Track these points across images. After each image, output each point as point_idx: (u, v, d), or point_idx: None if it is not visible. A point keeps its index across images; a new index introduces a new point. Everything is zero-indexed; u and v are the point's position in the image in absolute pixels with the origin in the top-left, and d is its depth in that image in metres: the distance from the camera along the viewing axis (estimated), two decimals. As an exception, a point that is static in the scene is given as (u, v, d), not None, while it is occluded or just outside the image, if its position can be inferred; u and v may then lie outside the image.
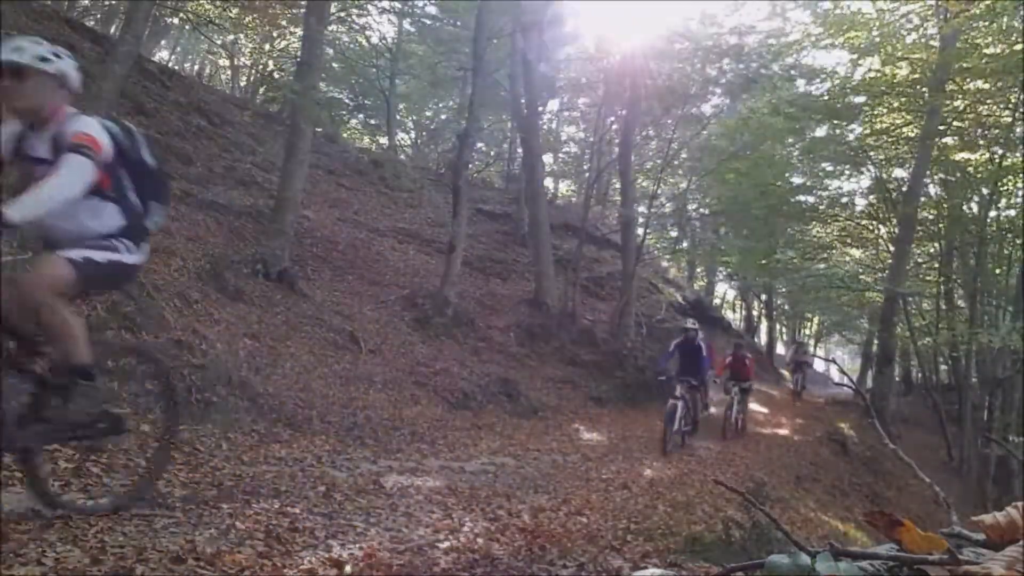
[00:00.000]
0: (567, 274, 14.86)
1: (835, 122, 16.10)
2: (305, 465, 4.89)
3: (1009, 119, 13.87)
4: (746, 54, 15.39)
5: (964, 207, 16.80)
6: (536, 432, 8.43)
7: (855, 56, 15.32)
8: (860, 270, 19.75)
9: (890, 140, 16.34)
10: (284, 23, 17.13)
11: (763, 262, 18.06)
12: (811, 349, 16.87)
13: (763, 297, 28.67)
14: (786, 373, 21.93)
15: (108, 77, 8.23)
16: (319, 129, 13.69)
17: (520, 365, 11.76)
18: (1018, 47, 11.93)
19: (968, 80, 13.79)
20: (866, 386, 18.79)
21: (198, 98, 14.96)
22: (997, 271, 16.81)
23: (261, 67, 23.20)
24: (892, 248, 16.51)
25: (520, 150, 20.35)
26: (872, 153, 16.64)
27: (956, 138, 15.48)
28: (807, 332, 37.80)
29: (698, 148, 18.89)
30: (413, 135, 28.66)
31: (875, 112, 15.81)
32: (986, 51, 13.23)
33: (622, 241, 16.05)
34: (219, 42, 19.63)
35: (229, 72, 24.54)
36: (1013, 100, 13.53)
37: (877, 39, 14.45)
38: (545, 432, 8.62)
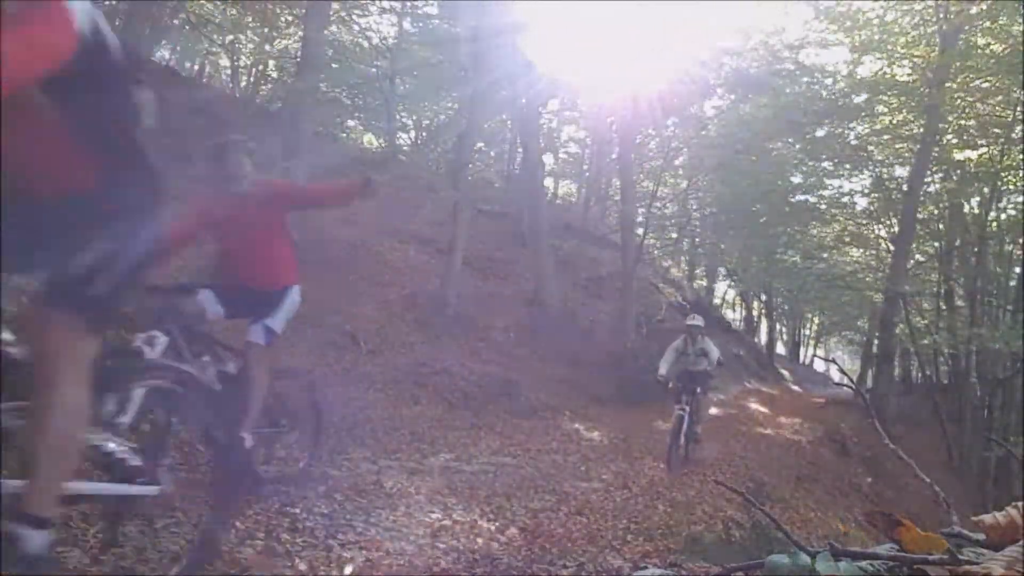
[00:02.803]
0: (567, 274, 14.85)
1: (837, 120, 16.07)
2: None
3: (1009, 117, 13.86)
4: (747, 53, 15.37)
5: (964, 206, 16.79)
6: (536, 432, 8.42)
7: (857, 54, 15.30)
8: (860, 268, 19.74)
9: (890, 139, 16.32)
10: (284, 23, 17.12)
11: (763, 262, 18.05)
12: (712, 349, 7.98)
13: (763, 297, 28.67)
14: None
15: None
16: (319, 129, 13.69)
17: (520, 365, 11.74)
18: (1020, 48, 11.92)
19: (969, 78, 13.78)
20: (866, 386, 18.76)
21: (198, 98, 14.95)
22: (997, 271, 16.80)
23: (261, 67, 23.18)
24: (892, 248, 16.49)
25: (520, 150, 20.34)
26: (873, 151, 16.62)
27: (956, 137, 15.47)
28: (807, 331, 37.12)
29: (699, 147, 18.86)
30: (413, 135, 28.63)
31: (876, 111, 15.79)
32: (987, 50, 13.22)
33: (622, 241, 16.05)
34: (219, 42, 19.62)
35: (229, 72, 24.51)
36: (1013, 98, 13.52)
37: (879, 36, 14.43)
38: (545, 432, 8.61)
